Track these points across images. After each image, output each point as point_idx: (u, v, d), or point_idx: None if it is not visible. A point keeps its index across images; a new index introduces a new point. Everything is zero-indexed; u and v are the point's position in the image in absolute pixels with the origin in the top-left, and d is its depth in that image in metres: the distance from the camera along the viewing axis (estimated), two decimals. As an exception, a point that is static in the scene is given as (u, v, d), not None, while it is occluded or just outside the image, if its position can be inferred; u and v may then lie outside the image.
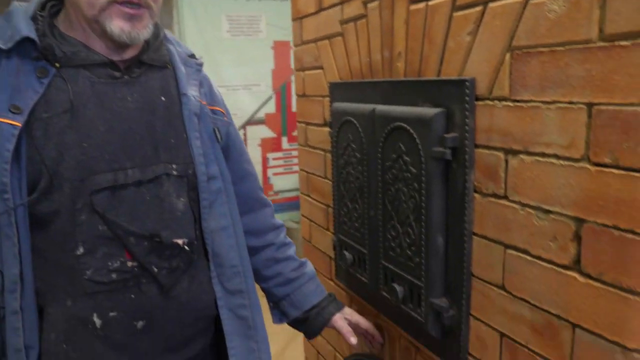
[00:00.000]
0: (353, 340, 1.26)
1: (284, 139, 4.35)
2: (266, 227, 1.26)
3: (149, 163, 0.99)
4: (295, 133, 4.31)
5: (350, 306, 1.41)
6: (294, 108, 4.29)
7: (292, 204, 4.33)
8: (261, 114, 4.22)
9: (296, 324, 1.29)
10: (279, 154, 4.35)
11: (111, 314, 0.97)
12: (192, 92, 1.08)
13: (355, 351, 1.50)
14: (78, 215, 0.94)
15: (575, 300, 0.78)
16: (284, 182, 4.38)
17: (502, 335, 0.93)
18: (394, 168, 1.10)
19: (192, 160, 1.04)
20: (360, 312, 1.36)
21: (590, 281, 0.75)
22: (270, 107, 4.24)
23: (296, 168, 4.33)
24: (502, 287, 0.91)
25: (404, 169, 1.06)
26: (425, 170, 1.00)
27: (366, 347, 1.44)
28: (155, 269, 0.99)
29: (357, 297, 1.43)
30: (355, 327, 1.31)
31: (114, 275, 0.96)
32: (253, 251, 1.24)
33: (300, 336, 3.65)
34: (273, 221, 1.28)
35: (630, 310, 0.71)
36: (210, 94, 1.15)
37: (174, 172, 1.02)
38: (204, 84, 1.14)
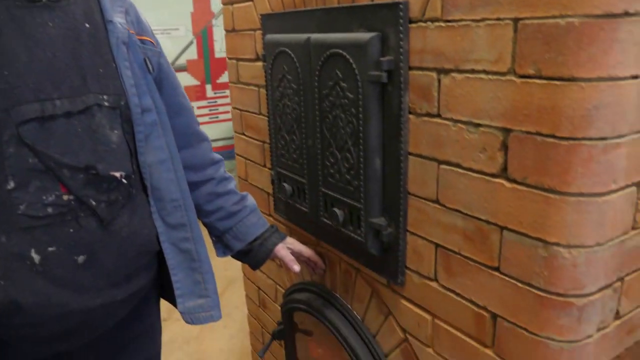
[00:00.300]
0: (296, 267, 1.32)
1: (208, 87, 4.25)
2: (205, 162, 1.27)
3: (78, 93, 0.96)
4: (220, 80, 4.23)
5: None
6: (217, 54, 4.19)
7: (220, 154, 4.30)
8: (182, 61, 4.10)
9: (240, 256, 1.33)
10: (204, 102, 4.26)
11: (50, 248, 0.96)
12: (118, 19, 1.04)
13: (298, 280, 1.57)
14: (5, 148, 0.91)
15: (503, 205, 0.86)
16: (211, 132, 4.32)
17: (437, 246, 1.01)
18: (330, 95, 1.13)
19: (124, 92, 1.02)
20: (301, 242, 1.41)
21: (516, 185, 0.84)
22: (192, 53, 4.11)
23: (223, 117, 4.28)
24: (437, 201, 0.99)
25: (340, 95, 1.10)
26: (362, 95, 1.04)
27: (308, 276, 1.51)
28: (93, 202, 0.98)
29: (297, 228, 1.48)
30: (297, 256, 1.37)
31: (49, 210, 0.95)
32: (193, 186, 1.25)
33: (237, 281, 3.68)
34: (212, 155, 1.29)
35: (551, 208, 0.80)
36: (137, 23, 1.12)
37: (106, 103, 0.99)
38: (131, 12, 1.11)
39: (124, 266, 1.06)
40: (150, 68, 1.10)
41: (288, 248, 1.35)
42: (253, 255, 1.32)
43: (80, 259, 0.99)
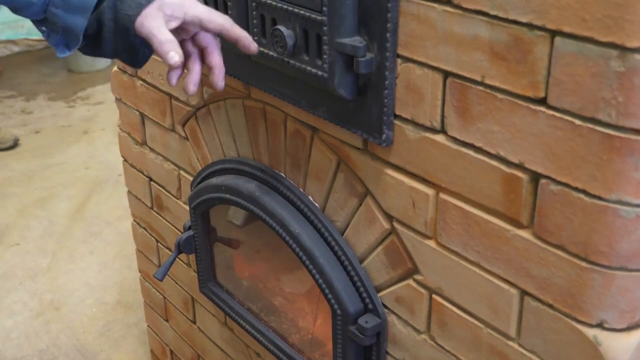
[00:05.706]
0: (174, 58, 1.07)
1: None
2: None
3: None
4: None
5: (203, 85, 1.43)
6: None
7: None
8: None
9: (91, 45, 1.16)
10: None
11: None
12: None
13: (216, 157, 1.56)
14: None
15: (556, -5, 0.86)
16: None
17: (447, 74, 1.02)
18: None
19: None
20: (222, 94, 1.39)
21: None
22: None
23: None
24: (448, 1, 0.98)
25: None
26: None
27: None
28: None
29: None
30: (188, 30, 1.14)
31: None
32: None
33: (107, 183, 3.64)
34: None
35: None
36: None
37: None
38: None
39: None
40: None
41: (164, 15, 1.10)
42: (107, 38, 1.13)
43: None
